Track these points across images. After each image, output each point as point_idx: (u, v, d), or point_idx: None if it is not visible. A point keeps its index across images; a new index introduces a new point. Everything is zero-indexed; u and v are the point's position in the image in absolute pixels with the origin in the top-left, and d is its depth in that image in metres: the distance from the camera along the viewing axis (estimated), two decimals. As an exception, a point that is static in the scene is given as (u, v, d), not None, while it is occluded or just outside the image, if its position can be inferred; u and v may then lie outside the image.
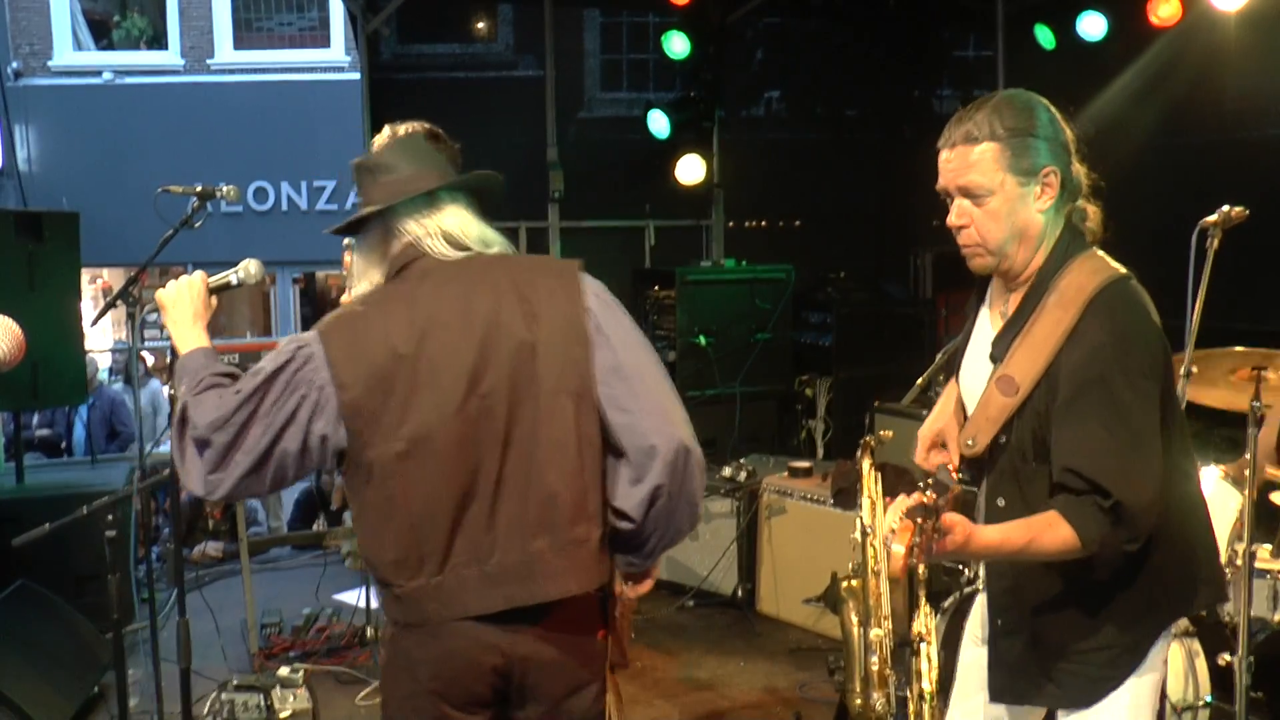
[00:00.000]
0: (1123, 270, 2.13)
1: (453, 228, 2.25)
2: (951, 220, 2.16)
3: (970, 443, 2.13)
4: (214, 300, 2.50)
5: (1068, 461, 2.00)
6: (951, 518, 1.97)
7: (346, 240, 4.60)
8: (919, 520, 1.87)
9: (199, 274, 2.47)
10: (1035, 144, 2.09)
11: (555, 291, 2.21)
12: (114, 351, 11.40)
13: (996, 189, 2.09)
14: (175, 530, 2.75)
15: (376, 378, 2.11)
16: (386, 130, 2.37)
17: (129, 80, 13.06)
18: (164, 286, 2.44)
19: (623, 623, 2.40)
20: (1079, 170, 2.16)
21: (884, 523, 1.99)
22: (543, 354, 2.16)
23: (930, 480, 1.88)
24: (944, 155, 2.14)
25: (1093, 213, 2.17)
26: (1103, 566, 2.02)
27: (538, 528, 2.16)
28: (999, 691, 2.28)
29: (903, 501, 1.91)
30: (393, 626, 2.23)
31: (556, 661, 2.21)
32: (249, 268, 2.66)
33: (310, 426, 2.11)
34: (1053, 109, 2.15)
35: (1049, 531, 1.99)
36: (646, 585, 2.39)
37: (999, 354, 2.16)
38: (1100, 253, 2.16)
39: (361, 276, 2.30)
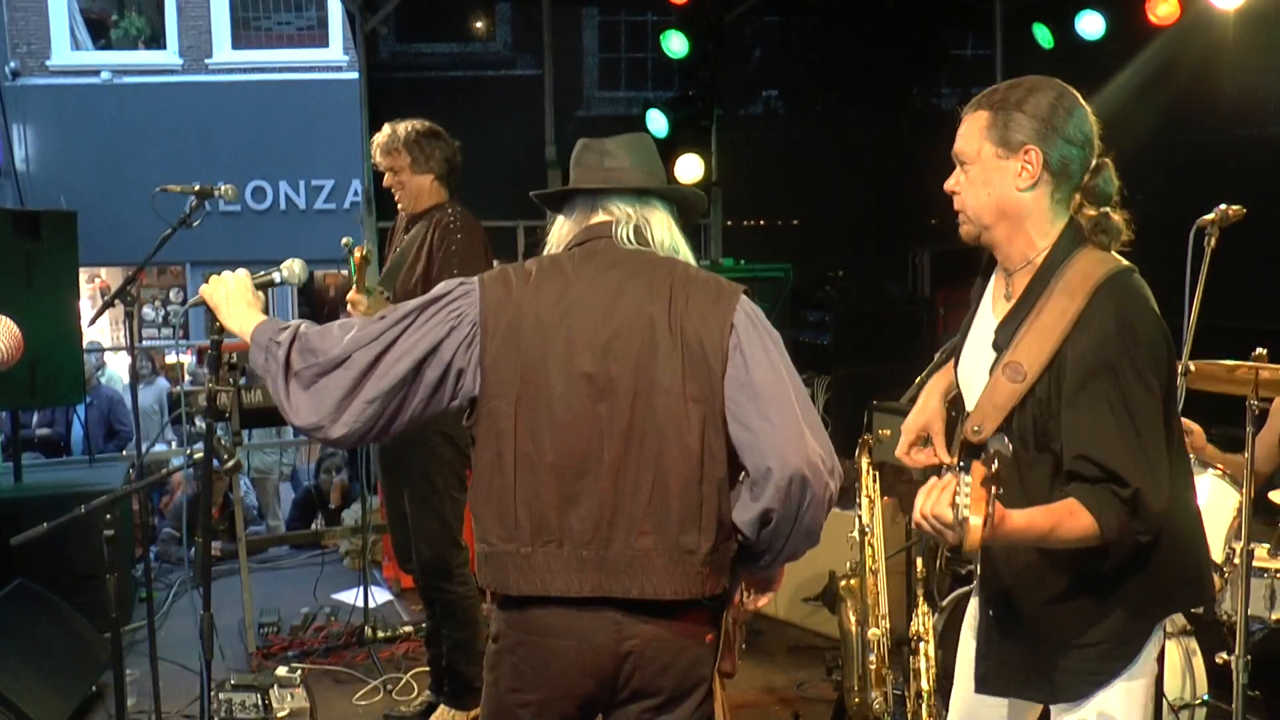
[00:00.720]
0: (1126, 264, 2.13)
1: (645, 225, 2.32)
2: (946, 185, 2.21)
3: (976, 430, 2.10)
4: (260, 294, 2.53)
5: (1082, 449, 1.99)
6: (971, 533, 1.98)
7: (345, 239, 4.62)
8: (993, 490, 1.78)
9: (243, 271, 2.49)
10: (1020, 119, 2.08)
11: (707, 303, 2.21)
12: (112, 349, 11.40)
13: (975, 157, 2.13)
14: (204, 523, 2.74)
15: (514, 334, 2.17)
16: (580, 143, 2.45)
17: (127, 80, 13.06)
18: (206, 282, 2.45)
19: (735, 631, 2.42)
20: (1100, 174, 2.14)
21: (927, 503, 1.89)
22: (678, 358, 2.17)
23: (994, 451, 1.77)
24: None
25: (1119, 224, 2.14)
26: (1115, 557, 2.01)
27: (646, 525, 2.16)
28: (985, 682, 2.26)
29: (950, 480, 1.85)
30: (499, 612, 2.25)
31: (661, 661, 2.22)
32: (293, 267, 2.67)
33: (454, 357, 2.19)
34: (1075, 102, 2.12)
35: (1070, 519, 1.98)
36: (767, 598, 2.45)
37: (1003, 341, 2.16)
38: (1102, 251, 2.15)
39: (553, 238, 2.41)
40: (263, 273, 2.64)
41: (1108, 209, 2.13)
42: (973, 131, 2.13)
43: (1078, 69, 6.25)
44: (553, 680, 2.20)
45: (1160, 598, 2.15)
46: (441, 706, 4.17)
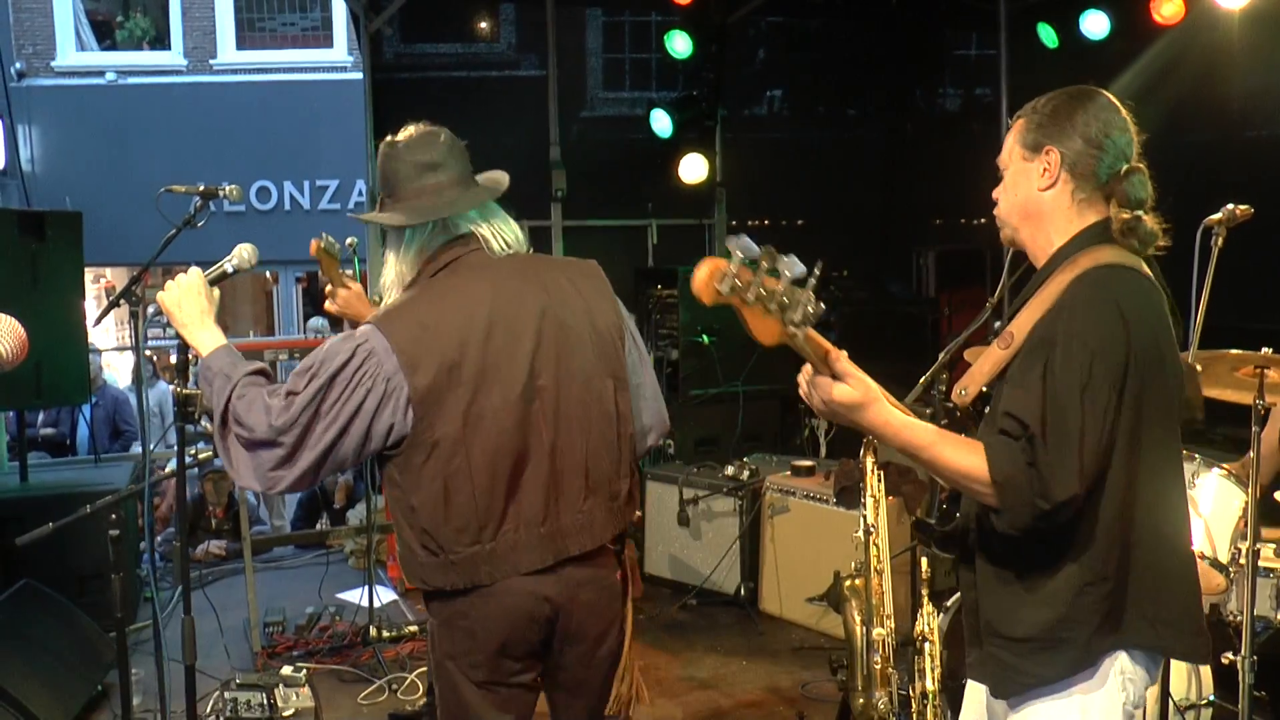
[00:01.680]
0: (1131, 262, 2.09)
1: (503, 230, 2.47)
2: (994, 194, 2.26)
3: (962, 392, 2.15)
4: (216, 292, 2.58)
5: (1007, 407, 1.99)
6: (849, 367, 1.95)
7: (350, 239, 4.60)
8: (761, 264, 1.73)
9: (194, 270, 2.52)
10: (1044, 121, 2.13)
11: (595, 290, 2.52)
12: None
13: (1009, 161, 2.19)
14: (180, 528, 2.75)
15: (446, 365, 2.29)
16: (414, 128, 2.49)
17: (132, 80, 13.07)
18: (163, 288, 2.48)
19: (629, 560, 2.66)
20: (1129, 178, 2.13)
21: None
22: (592, 346, 2.45)
23: (768, 250, 1.73)
24: None
25: (1151, 228, 2.13)
26: (1012, 516, 1.93)
27: (588, 489, 2.44)
28: (970, 667, 2.27)
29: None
30: (441, 597, 2.41)
31: (593, 603, 2.48)
32: (242, 253, 2.67)
33: (377, 417, 2.27)
34: (1100, 106, 2.15)
35: (959, 448, 1.97)
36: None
37: (1008, 315, 2.20)
38: (1119, 249, 2.12)
39: (397, 268, 2.44)
40: (215, 265, 2.65)
41: (1140, 213, 2.13)
42: (1010, 138, 2.20)
43: (1082, 69, 6.25)
44: (503, 635, 2.40)
45: (1116, 623, 2.04)
46: None
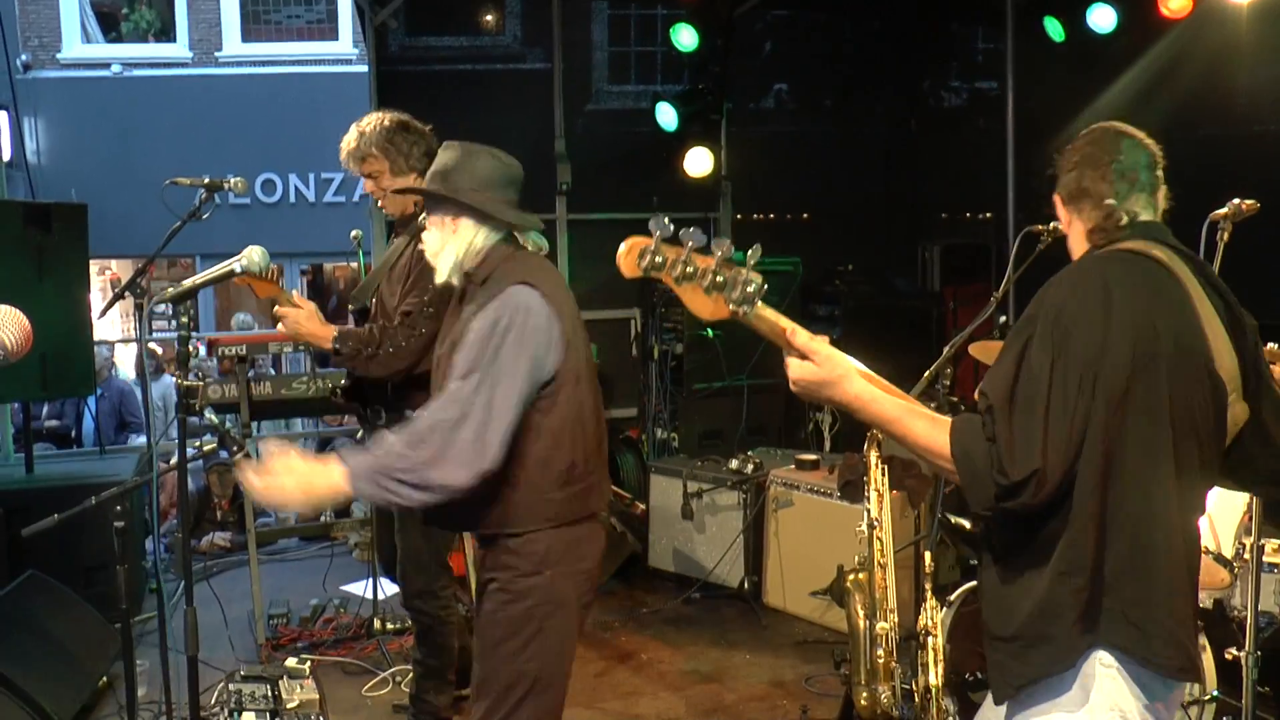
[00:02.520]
0: (1140, 247, 2.08)
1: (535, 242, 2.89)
2: None
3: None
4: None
5: (983, 385, 2.00)
6: (811, 343, 1.95)
7: (355, 231, 4.61)
8: (719, 256, 1.81)
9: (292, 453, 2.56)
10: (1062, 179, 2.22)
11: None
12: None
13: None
14: (183, 520, 2.75)
15: (568, 320, 2.69)
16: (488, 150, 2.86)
17: (137, 73, 13.08)
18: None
19: None
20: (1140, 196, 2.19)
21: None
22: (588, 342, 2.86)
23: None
24: None
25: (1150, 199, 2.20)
26: (974, 494, 1.92)
27: (600, 458, 2.83)
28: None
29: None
30: (566, 523, 2.72)
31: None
32: (251, 255, 2.68)
33: (546, 359, 2.63)
34: (1110, 140, 2.20)
35: (926, 422, 1.97)
36: None
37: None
38: (1139, 242, 2.11)
39: (457, 255, 2.75)
40: (222, 265, 2.66)
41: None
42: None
43: (1089, 63, 6.24)
44: (598, 560, 2.83)
45: (1094, 619, 1.99)
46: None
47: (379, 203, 3.77)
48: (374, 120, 3.70)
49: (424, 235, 2.83)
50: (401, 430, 2.52)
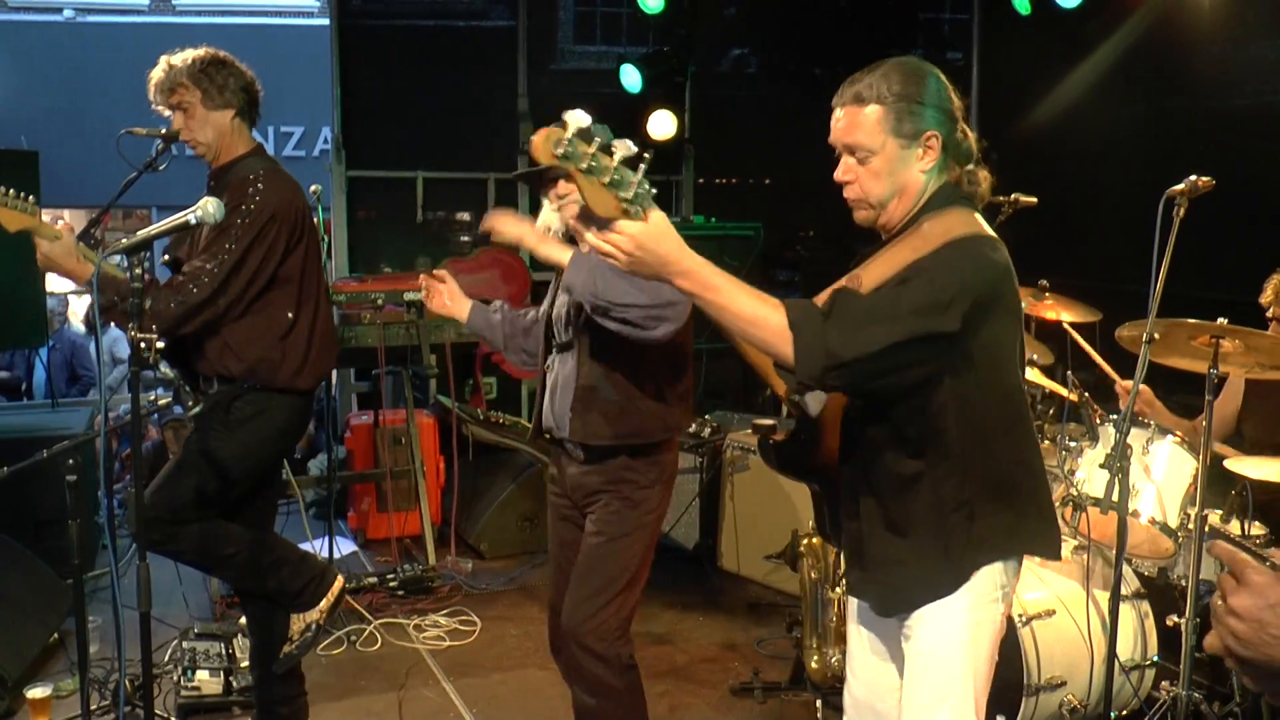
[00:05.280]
0: (991, 234, 2.19)
1: None
2: (838, 175, 2.31)
3: None
4: None
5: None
6: (631, 226, 1.95)
7: (315, 186, 4.54)
8: (596, 139, 1.89)
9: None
10: (919, 109, 2.20)
11: None
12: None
13: (878, 150, 2.22)
14: (136, 476, 2.73)
15: None
16: None
17: (91, 19, 12.79)
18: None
19: None
20: (969, 137, 2.27)
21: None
22: None
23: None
24: (835, 114, 2.29)
25: (983, 177, 2.28)
26: (802, 364, 2.01)
27: None
28: (851, 587, 2.42)
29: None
30: (669, 439, 3.16)
31: None
32: (207, 207, 2.65)
33: None
34: (942, 77, 2.26)
35: (756, 297, 2.06)
36: None
37: (860, 262, 2.27)
38: (978, 215, 2.22)
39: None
40: (178, 215, 2.63)
41: (971, 166, 2.28)
42: (869, 127, 2.22)
43: (1055, 36, 6.26)
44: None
45: (981, 539, 2.19)
46: (293, 616, 3.58)
47: (192, 147, 3.46)
48: (187, 53, 3.48)
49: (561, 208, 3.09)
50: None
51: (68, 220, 12.70)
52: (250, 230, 3.20)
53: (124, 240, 2.61)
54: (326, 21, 7.02)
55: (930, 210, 2.21)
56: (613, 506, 3.08)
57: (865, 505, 2.26)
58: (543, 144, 1.87)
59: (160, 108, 3.43)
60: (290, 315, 3.35)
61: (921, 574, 2.21)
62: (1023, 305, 2.24)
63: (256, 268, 3.24)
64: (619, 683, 3.06)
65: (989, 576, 2.22)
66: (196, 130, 3.41)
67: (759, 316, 2.03)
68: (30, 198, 3.11)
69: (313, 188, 4.73)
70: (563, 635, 3.12)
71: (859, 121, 2.23)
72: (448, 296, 3.39)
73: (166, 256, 3.51)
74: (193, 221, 2.64)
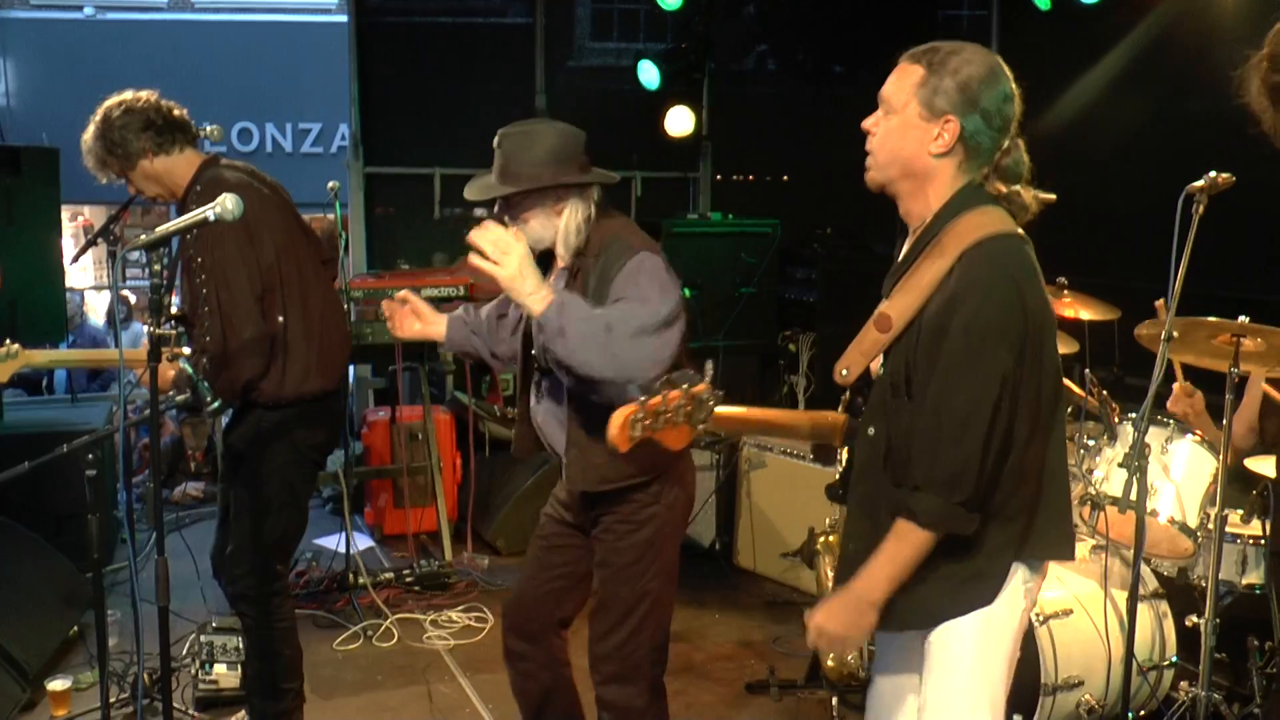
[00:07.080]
0: (1013, 229, 2.14)
1: None
2: (865, 123, 2.28)
3: (844, 372, 2.22)
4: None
5: (919, 420, 2.12)
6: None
7: (332, 183, 4.54)
8: (685, 389, 1.96)
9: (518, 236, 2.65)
10: (948, 87, 2.13)
11: None
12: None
13: (899, 109, 2.18)
14: (154, 471, 2.74)
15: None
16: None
17: (111, 16, 12.85)
18: (499, 265, 2.59)
19: None
20: (1011, 155, 2.19)
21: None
22: None
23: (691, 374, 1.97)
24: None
25: (1029, 199, 2.20)
26: (952, 526, 2.09)
27: None
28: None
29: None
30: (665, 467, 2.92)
31: None
32: (225, 203, 2.64)
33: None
34: (1010, 86, 2.17)
35: (898, 543, 2.13)
36: None
37: (886, 291, 2.24)
38: (998, 209, 2.17)
39: (577, 222, 2.86)
40: (197, 212, 2.63)
41: (1018, 187, 2.20)
42: (905, 84, 2.18)
43: (1075, 32, 6.22)
44: (693, 494, 3.11)
45: (1019, 548, 2.19)
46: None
47: (157, 200, 3.53)
48: (89, 129, 3.51)
49: (522, 229, 2.81)
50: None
51: (88, 216, 12.79)
52: (210, 252, 3.24)
53: (143, 236, 2.62)
54: (344, 18, 7.03)
55: (950, 214, 2.15)
56: (617, 530, 2.91)
57: (879, 524, 2.22)
58: (621, 433, 1.93)
59: (102, 181, 3.48)
60: (281, 320, 3.35)
61: (946, 588, 2.18)
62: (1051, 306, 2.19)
63: (247, 274, 3.25)
64: (643, 702, 2.99)
65: (1012, 576, 2.20)
66: (144, 189, 3.46)
67: (914, 556, 2.12)
68: (9, 342, 3.24)
69: (330, 185, 4.74)
70: (587, 665, 3.05)
71: (903, 75, 2.19)
72: (417, 321, 3.12)
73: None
74: (211, 218, 2.64)
